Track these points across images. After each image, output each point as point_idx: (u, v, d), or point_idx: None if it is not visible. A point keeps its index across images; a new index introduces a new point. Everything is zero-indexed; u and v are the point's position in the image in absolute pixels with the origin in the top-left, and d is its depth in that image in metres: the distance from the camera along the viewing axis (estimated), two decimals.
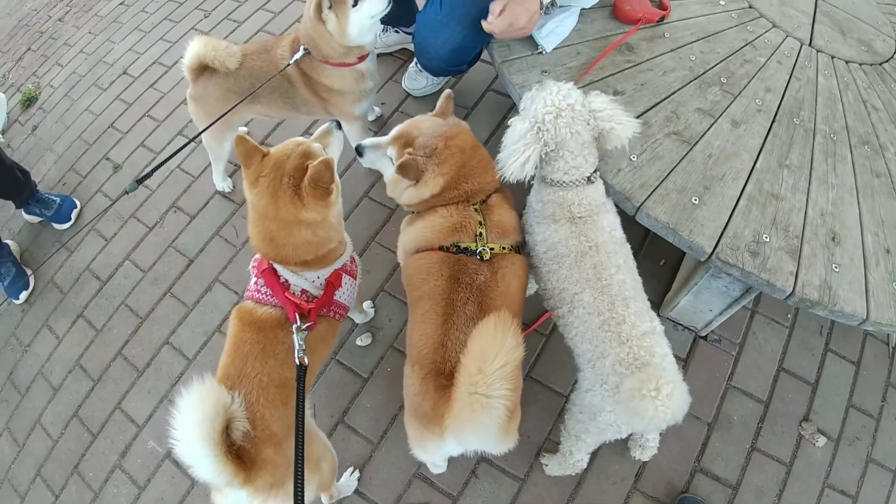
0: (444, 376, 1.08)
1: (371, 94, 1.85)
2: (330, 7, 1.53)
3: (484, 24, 1.47)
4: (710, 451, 1.66)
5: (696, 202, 1.37)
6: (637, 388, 0.98)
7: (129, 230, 2.21)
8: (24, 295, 2.17)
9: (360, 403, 1.73)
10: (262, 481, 1.03)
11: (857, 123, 1.61)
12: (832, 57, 1.74)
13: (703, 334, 1.79)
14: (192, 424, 0.93)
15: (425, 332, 1.16)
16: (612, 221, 1.27)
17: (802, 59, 1.70)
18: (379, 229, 2.05)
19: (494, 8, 1.44)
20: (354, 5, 1.53)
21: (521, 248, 1.35)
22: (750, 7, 1.81)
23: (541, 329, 1.79)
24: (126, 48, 2.89)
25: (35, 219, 2.34)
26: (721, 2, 1.80)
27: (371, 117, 2.28)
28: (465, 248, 1.24)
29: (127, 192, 1.41)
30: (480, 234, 1.26)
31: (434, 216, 1.30)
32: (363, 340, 1.80)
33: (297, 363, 1.10)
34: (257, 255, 1.26)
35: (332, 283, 1.27)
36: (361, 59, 1.70)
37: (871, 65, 1.77)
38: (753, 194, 1.40)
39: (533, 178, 1.28)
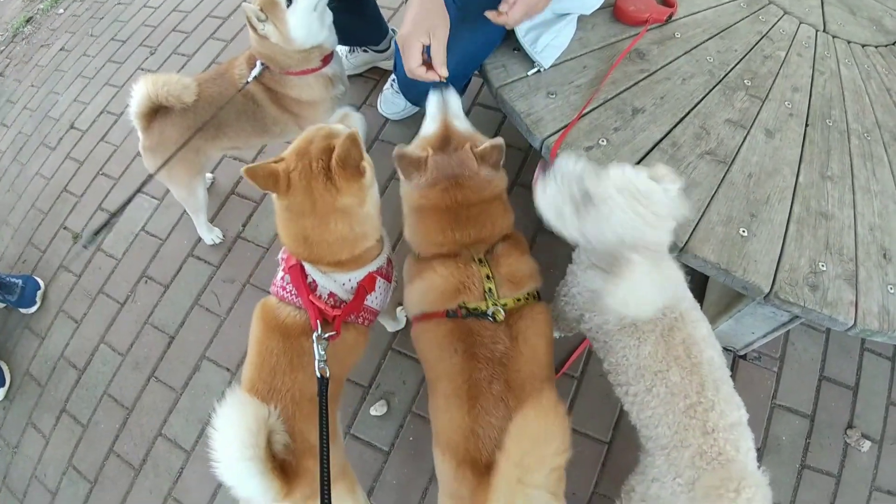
0: (480, 464, 0.89)
1: (343, 101, 1.55)
2: (265, 19, 1.25)
3: (492, 14, 1.11)
4: None
5: (745, 234, 1.12)
6: (716, 486, 0.82)
7: (100, 308, 1.84)
8: (1, 392, 1.82)
9: (384, 481, 1.45)
10: (300, 493, 0.91)
11: (886, 117, 1.36)
12: (848, 42, 1.48)
13: (742, 353, 1.55)
14: (236, 442, 0.79)
15: (452, 418, 0.95)
16: (679, 277, 0.99)
17: (821, 49, 1.43)
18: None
19: None
20: (289, 4, 1.24)
21: (539, 294, 1.09)
22: None
23: (570, 371, 1.52)
24: (71, 99, 2.44)
25: None
26: None
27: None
28: (475, 310, 0.99)
29: (85, 247, 1.14)
30: (490, 289, 1.00)
31: (433, 275, 1.04)
32: (378, 410, 1.51)
33: (318, 375, 0.93)
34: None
35: (365, 288, 1.06)
36: (325, 61, 1.40)
37: (885, 46, 1.52)
38: (802, 216, 1.16)
39: None
